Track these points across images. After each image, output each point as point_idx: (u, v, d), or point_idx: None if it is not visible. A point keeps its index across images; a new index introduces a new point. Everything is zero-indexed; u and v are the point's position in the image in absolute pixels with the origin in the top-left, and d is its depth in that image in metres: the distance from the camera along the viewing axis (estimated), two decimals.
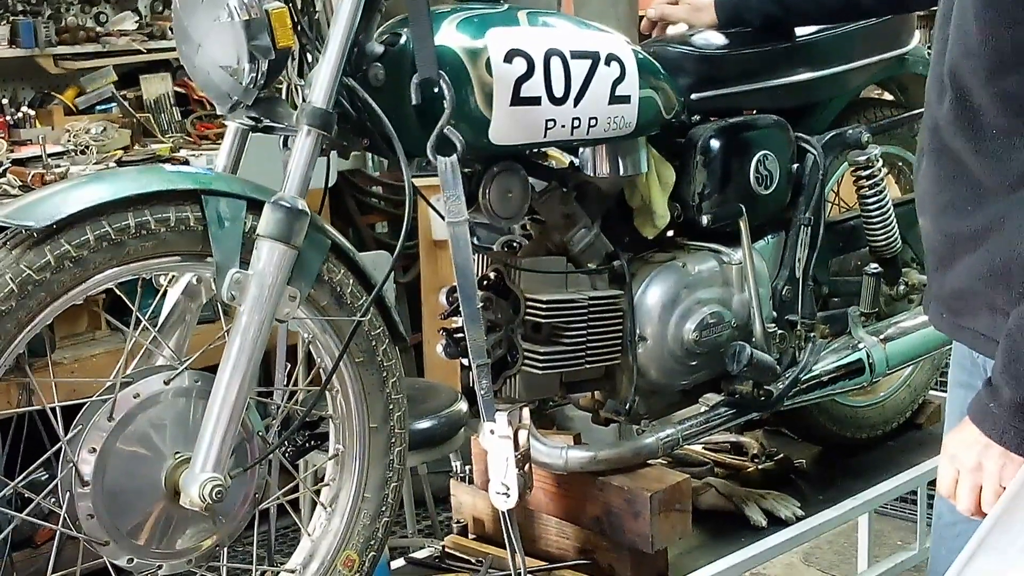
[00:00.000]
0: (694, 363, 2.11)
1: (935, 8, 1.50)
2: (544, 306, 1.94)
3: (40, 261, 1.48)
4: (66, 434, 1.58)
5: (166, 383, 1.64)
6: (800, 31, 2.24)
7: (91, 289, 1.57)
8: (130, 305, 1.66)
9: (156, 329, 1.75)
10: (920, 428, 2.78)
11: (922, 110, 1.53)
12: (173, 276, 1.78)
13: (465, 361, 1.93)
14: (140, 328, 1.70)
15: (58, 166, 3.59)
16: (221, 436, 1.60)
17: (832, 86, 2.33)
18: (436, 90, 1.70)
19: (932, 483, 2.41)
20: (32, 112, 3.90)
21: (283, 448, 1.89)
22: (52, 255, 1.49)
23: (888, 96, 2.74)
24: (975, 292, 1.42)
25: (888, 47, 2.40)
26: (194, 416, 1.64)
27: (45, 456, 1.64)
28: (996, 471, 1.33)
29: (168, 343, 1.76)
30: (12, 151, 3.75)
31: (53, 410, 1.60)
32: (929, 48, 1.60)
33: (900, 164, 2.63)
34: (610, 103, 1.89)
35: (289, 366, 2.00)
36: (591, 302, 1.99)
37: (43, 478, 1.80)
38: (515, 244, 2.09)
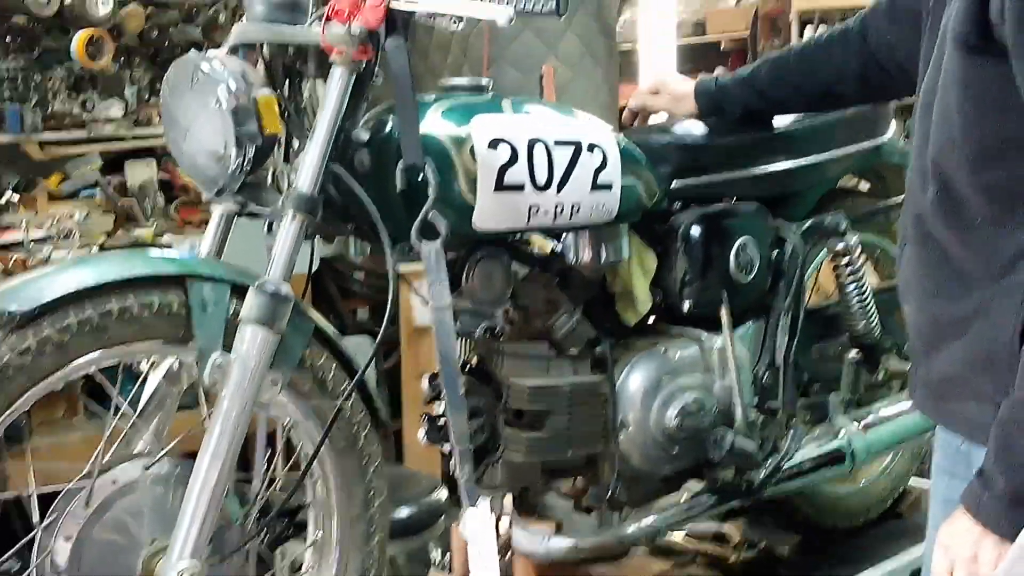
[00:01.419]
0: (676, 450, 2.10)
1: (911, 98, 1.53)
2: (527, 392, 1.94)
3: (22, 345, 1.48)
4: (41, 521, 1.56)
5: (145, 469, 1.62)
6: (779, 121, 2.28)
7: (72, 374, 1.56)
8: (109, 391, 1.65)
9: (136, 414, 1.74)
10: (901, 517, 2.76)
11: (900, 199, 1.55)
12: (154, 361, 1.77)
13: (447, 447, 1.92)
14: (120, 414, 1.69)
15: (40, 251, 3.59)
16: (199, 523, 1.58)
17: (811, 175, 2.36)
18: (421, 176, 1.71)
19: (915, 573, 2.39)
20: (16, 197, 3.91)
21: (261, 536, 1.86)
22: (34, 339, 1.48)
23: (865, 185, 2.78)
24: (961, 378, 1.43)
25: (865, 137, 2.44)
26: (172, 503, 1.62)
27: (19, 544, 1.61)
28: (992, 561, 1.32)
29: (148, 429, 1.74)
30: None
31: (28, 497, 1.58)
32: (906, 138, 1.63)
33: (878, 252, 2.66)
34: (592, 190, 1.91)
35: (269, 452, 1.99)
36: (573, 388, 1.99)
37: (14, 569, 1.77)
38: (497, 329, 2.09)
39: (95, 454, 1.63)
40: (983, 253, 1.38)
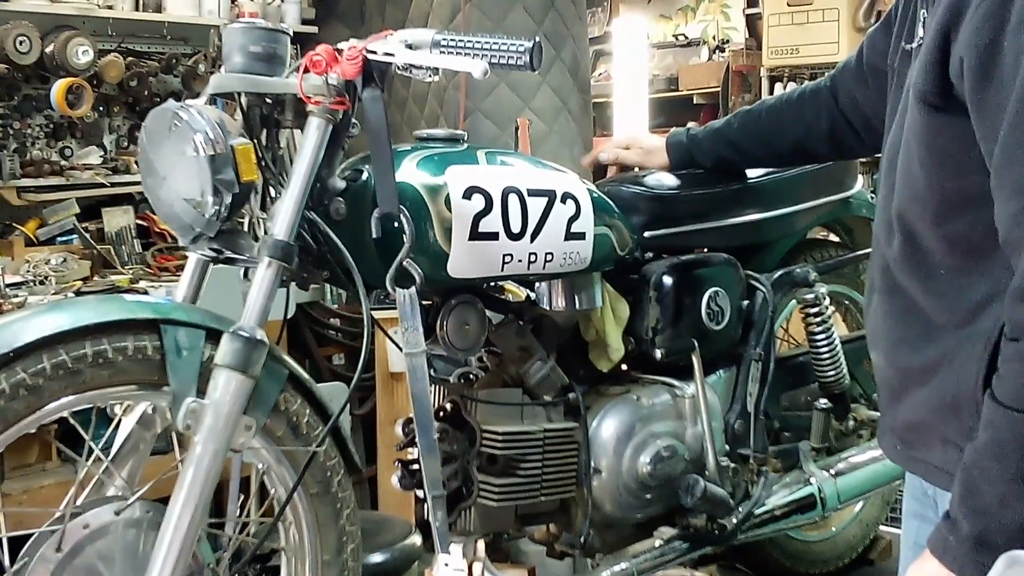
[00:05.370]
0: (648, 496, 2.12)
1: (878, 155, 1.57)
2: (500, 438, 1.95)
3: None
4: (12, 565, 1.55)
5: (117, 514, 1.61)
6: (749, 173, 2.32)
7: (45, 417, 1.56)
8: (83, 434, 1.65)
9: (109, 459, 1.73)
10: (872, 564, 2.78)
11: (867, 251, 1.58)
12: (128, 405, 1.77)
13: (420, 492, 1.93)
14: (93, 457, 1.68)
15: (16, 296, 3.58)
16: (171, 568, 1.57)
17: (780, 226, 2.40)
18: (396, 224, 1.74)
19: None
20: None
21: None
22: (7, 383, 1.48)
23: (833, 237, 2.82)
24: (927, 424, 1.45)
25: (833, 190, 2.49)
26: (144, 547, 1.62)
27: None
28: None
29: (121, 473, 1.74)
30: None
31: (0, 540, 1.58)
32: (872, 192, 1.67)
33: (846, 302, 2.70)
34: (566, 239, 1.94)
35: (242, 497, 1.98)
36: (546, 434, 2.00)
37: None
38: (472, 376, 2.10)
39: (67, 498, 1.62)
40: (947, 302, 1.41)
